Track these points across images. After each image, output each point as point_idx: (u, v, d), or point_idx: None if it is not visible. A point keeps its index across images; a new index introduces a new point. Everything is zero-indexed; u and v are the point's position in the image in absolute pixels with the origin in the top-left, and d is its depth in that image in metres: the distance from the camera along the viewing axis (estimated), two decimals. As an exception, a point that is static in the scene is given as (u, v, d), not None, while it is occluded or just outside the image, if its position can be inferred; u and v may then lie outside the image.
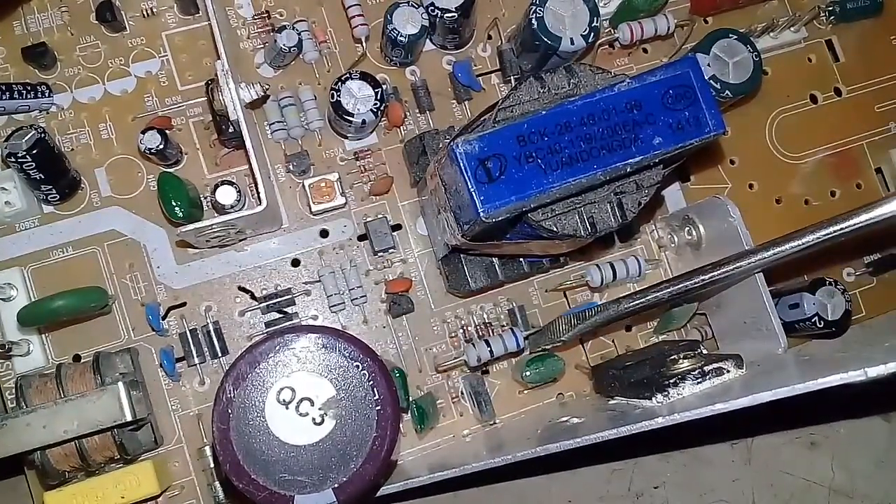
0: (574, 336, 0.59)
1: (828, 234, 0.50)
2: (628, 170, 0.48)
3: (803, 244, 0.51)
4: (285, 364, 0.47)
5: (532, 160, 0.47)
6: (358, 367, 0.47)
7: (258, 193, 0.56)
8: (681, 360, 0.53)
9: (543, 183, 0.47)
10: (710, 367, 0.52)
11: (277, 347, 0.47)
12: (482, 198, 0.46)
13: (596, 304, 0.64)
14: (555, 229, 0.50)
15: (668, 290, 0.55)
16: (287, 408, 0.47)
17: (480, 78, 0.67)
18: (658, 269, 0.67)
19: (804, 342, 0.67)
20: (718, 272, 0.55)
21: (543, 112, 0.48)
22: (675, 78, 0.49)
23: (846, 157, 0.73)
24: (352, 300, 0.63)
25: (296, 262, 0.64)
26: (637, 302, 0.56)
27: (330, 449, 0.46)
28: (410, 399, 0.61)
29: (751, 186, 0.71)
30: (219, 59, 0.56)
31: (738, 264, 0.54)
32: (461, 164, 0.47)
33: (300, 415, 0.47)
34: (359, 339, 0.48)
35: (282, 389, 0.47)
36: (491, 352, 0.60)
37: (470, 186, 0.47)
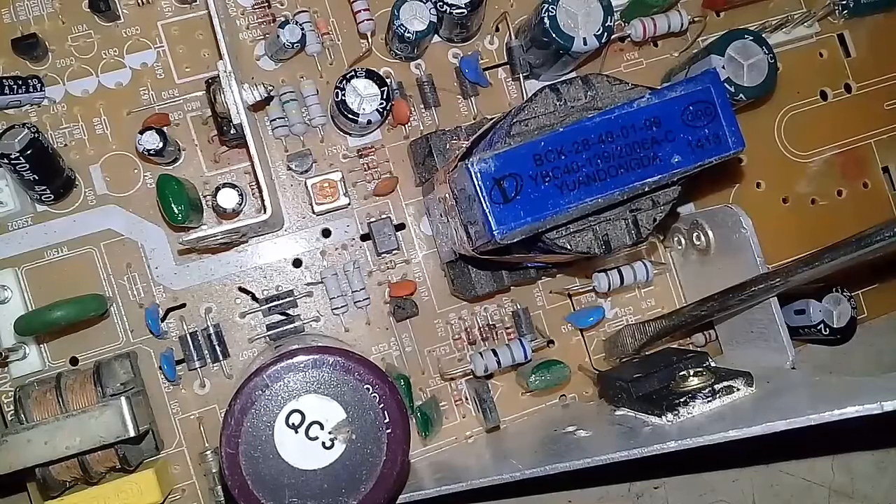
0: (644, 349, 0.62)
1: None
2: (646, 189, 0.47)
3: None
4: (294, 387, 0.46)
5: (549, 180, 0.46)
6: (368, 389, 0.46)
7: (262, 201, 0.54)
8: (690, 377, 0.53)
9: (560, 203, 0.46)
10: (720, 386, 0.52)
11: (286, 370, 0.46)
12: (497, 219, 0.45)
13: (601, 311, 0.64)
14: (569, 247, 0.49)
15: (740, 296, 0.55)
16: (296, 431, 0.46)
17: (487, 72, 0.65)
18: (665, 273, 0.66)
19: (805, 344, 0.68)
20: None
21: (561, 129, 0.46)
22: (696, 93, 0.48)
23: (853, 155, 0.72)
24: (354, 302, 0.62)
25: (297, 263, 0.62)
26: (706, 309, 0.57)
27: (340, 473, 0.46)
28: (414, 405, 0.60)
29: (758, 185, 0.70)
30: (221, 58, 0.54)
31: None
32: (476, 183, 0.45)
33: (310, 438, 0.46)
34: (369, 361, 0.47)
35: (291, 413, 0.46)
36: (498, 362, 0.59)
37: (485, 206, 0.45)
